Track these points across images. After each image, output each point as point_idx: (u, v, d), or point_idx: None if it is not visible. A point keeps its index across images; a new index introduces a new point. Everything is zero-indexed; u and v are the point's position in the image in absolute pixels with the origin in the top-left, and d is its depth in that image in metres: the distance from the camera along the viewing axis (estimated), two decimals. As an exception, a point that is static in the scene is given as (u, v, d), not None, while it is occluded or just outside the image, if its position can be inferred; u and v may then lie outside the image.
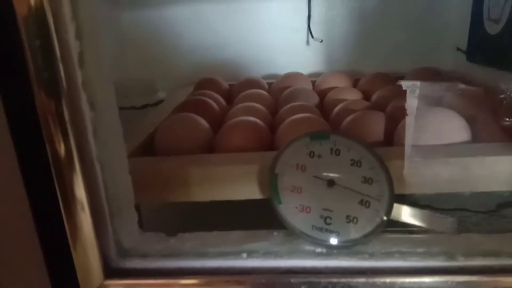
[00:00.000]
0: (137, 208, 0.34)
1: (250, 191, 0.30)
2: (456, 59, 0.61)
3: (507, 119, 0.34)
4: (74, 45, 0.21)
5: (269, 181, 0.27)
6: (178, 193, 0.30)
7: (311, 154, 0.28)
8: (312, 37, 0.63)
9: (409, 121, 0.35)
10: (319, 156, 0.28)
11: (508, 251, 0.23)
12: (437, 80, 0.53)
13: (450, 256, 0.23)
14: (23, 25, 0.19)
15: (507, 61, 0.47)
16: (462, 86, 0.47)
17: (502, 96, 0.36)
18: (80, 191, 0.22)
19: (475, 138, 0.34)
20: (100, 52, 0.23)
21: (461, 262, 0.23)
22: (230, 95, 0.57)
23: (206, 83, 0.58)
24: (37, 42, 0.19)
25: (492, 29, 0.51)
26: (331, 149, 0.28)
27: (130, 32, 0.65)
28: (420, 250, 0.24)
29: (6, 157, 0.22)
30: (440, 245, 0.24)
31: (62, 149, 0.21)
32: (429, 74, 0.56)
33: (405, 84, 0.40)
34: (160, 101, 0.56)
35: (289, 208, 0.26)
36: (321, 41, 0.62)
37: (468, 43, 0.58)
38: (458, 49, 0.60)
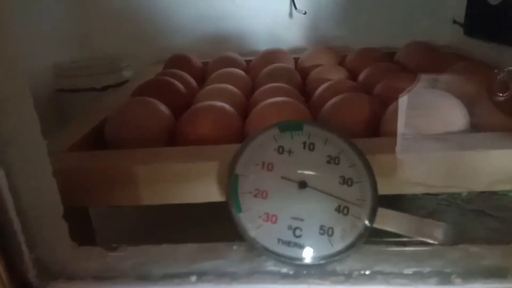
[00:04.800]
0: (85, 213, 0.29)
1: (208, 193, 0.25)
2: (452, 33, 0.56)
3: (501, 94, 0.32)
4: None
5: (228, 183, 0.22)
6: (123, 195, 0.25)
7: (280, 150, 0.23)
8: (296, 8, 0.57)
9: (402, 104, 0.30)
10: (290, 152, 0.23)
11: (515, 270, 0.19)
12: (432, 56, 0.48)
13: (444, 277, 0.19)
14: None
15: (509, 35, 0.42)
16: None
17: (496, 71, 0.33)
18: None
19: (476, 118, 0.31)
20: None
21: (458, 286, 0.19)
22: (204, 75, 0.52)
23: (177, 61, 0.52)
24: None
25: (494, -1, 0.45)
26: (304, 143, 0.23)
27: (95, 4, 0.59)
28: (408, 270, 0.19)
29: None
30: (432, 261, 0.20)
31: None
32: (422, 49, 0.51)
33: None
34: (125, 82, 0.50)
35: (250, 217, 0.22)
36: (305, 12, 0.56)
37: (466, 15, 0.53)
38: (454, 21, 0.55)
